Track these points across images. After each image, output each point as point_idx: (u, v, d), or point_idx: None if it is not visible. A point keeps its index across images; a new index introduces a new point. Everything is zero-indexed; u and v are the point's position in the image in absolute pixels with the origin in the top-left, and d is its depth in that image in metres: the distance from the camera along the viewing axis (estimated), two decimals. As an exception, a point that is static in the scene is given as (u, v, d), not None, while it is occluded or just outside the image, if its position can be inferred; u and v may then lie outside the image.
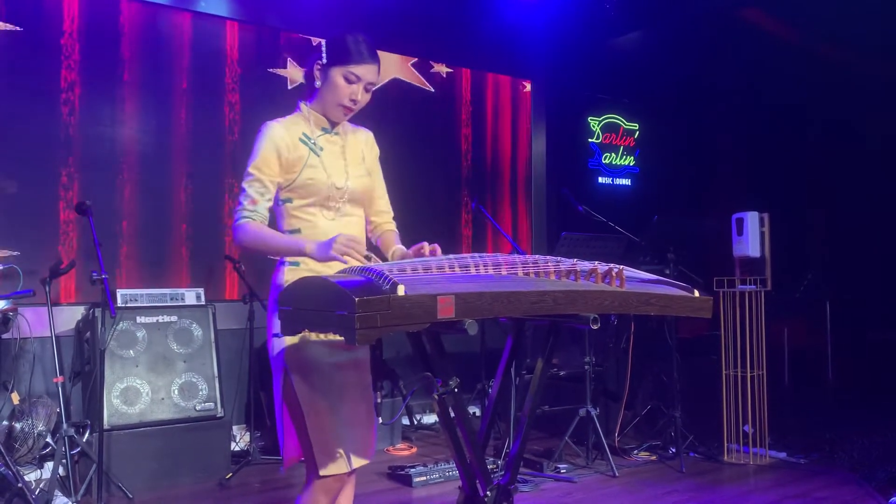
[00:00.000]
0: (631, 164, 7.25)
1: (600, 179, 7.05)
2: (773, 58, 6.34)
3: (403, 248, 2.24)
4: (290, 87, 5.25)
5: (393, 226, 2.38)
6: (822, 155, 6.72)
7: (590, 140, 7.00)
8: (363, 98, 2.16)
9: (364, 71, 2.12)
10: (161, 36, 4.80)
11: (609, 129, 7.12)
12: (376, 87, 2.18)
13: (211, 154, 4.95)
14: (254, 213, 2.09)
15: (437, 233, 5.98)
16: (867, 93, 6.12)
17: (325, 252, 1.96)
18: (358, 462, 2.10)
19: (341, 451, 2.04)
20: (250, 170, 2.11)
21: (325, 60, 2.13)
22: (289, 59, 5.25)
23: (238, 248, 2.15)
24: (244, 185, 2.12)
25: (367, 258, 1.94)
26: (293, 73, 5.25)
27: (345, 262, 1.91)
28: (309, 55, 2.21)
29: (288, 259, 2.13)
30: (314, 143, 2.15)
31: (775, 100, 6.67)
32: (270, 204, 2.13)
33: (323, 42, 2.15)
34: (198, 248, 4.87)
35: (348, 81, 2.12)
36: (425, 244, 2.08)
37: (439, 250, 2.06)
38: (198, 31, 4.93)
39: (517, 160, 6.57)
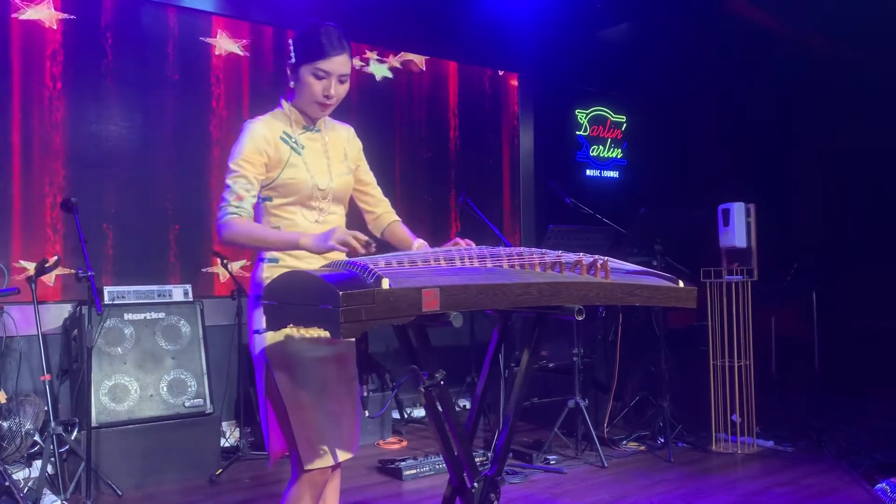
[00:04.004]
0: (618, 156, 7.27)
1: (588, 172, 7.06)
2: (761, 49, 6.36)
3: (424, 243, 2.20)
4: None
5: (396, 216, 2.36)
6: (809, 146, 6.76)
7: (577, 132, 7.01)
8: (338, 90, 2.11)
9: (332, 65, 2.07)
10: (146, 31, 4.77)
11: (596, 121, 7.13)
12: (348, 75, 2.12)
13: (197, 150, 4.93)
14: (239, 208, 2.04)
15: (425, 227, 5.99)
16: (855, 85, 6.16)
17: (323, 243, 1.93)
18: (342, 455, 2.10)
19: (325, 445, 2.04)
20: (233, 166, 2.06)
21: (293, 59, 2.09)
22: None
23: (225, 244, 2.08)
24: (228, 181, 2.06)
25: (368, 245, 1.91)
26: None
27: (344, 251, 1.90)
28: (283, 53, 2.19)
29: (267, 255, 2.12)
30: (295, 142, 2.13)
31: (762, 91, 6.71)
32: (255, 200, 2.09)
33: (290, 41, 2.11)
34: (185, 244, 4.85)
35: (318, 78, 2.08)
36: (459, 241, 2.07)
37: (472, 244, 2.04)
38: (183, 27, 4.90)
39: (505, 153, 6.57)
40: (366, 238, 1.93)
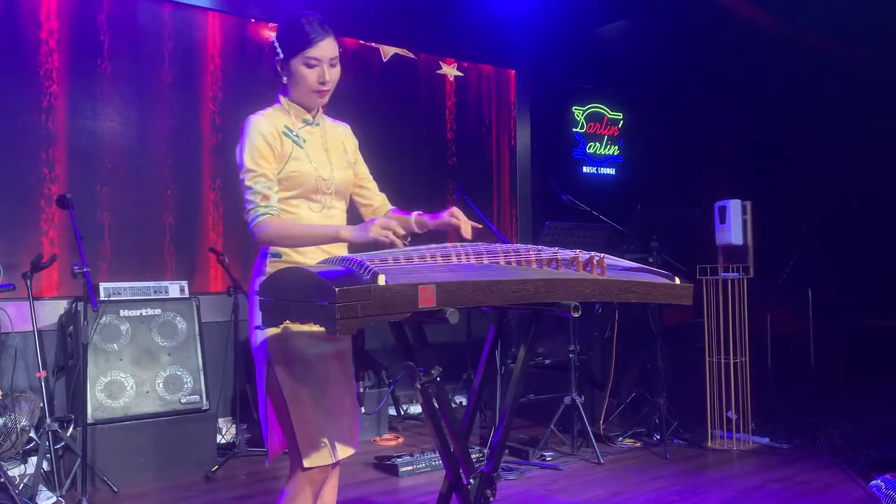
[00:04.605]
0: (615, 153, 7.27)
1: (585, 169, 7.06)
2: (757, 46, 6.36)
3: (422, 213, 2.19)
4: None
5: (390, 205, 2.37)
6: (805, 143, 6.77)
7: (574, 129, 7.01)
8: (332, 75, 2.12)
9: (320, 51, 2.08)
10: (141, 27, 4.75)
11: (593, 118, 7.13)
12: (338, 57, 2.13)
13: (193, 146, 4.92)
14: (269, 207, 2.03)
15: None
16: (850, 81, 6.16)
17: (363, 234, 1.94)
18: (343, 453, 2.10)
19: (326, 442, 2.04)
20: (250, 166, 2.04)
21: (281, 55, 2.10)
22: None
23: (262, 245, 2.09)
24: (248, 182, 2.04)
25: (405, 238, 1.93)
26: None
27: (387, 241, 1.90)
28: (268, 53, 2.18)
29: (270, 250, 2.12)
30: (297, 136, 2.14)
31: (759, 88, 6.71)
32: (278, 196, 2.07)
33: (274, 37, 2.12)
34: (181, 240, 4.84)
35: (310, 66, 2.09)
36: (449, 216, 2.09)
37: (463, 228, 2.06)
38: (178, 22, 4.89)
39: (502, 150, 6.57)
40: (402, 231, 1.95)
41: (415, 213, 2.20)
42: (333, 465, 2.12)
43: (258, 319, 2.00)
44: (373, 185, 2.37)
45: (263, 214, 2.02)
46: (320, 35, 2.08)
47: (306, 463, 2.03)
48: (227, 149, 4.77)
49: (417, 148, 6.02)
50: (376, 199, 2.36)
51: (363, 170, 2.35)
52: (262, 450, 4.37)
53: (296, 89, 2.13)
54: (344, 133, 2.31)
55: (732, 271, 4.63)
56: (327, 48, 2.09)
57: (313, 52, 2.07)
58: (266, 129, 2.08)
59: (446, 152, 6.20)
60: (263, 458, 4.30)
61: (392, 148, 5.75)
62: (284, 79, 2.13)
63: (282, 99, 2.18)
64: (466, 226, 2.07)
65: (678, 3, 6.12)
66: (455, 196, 6.01)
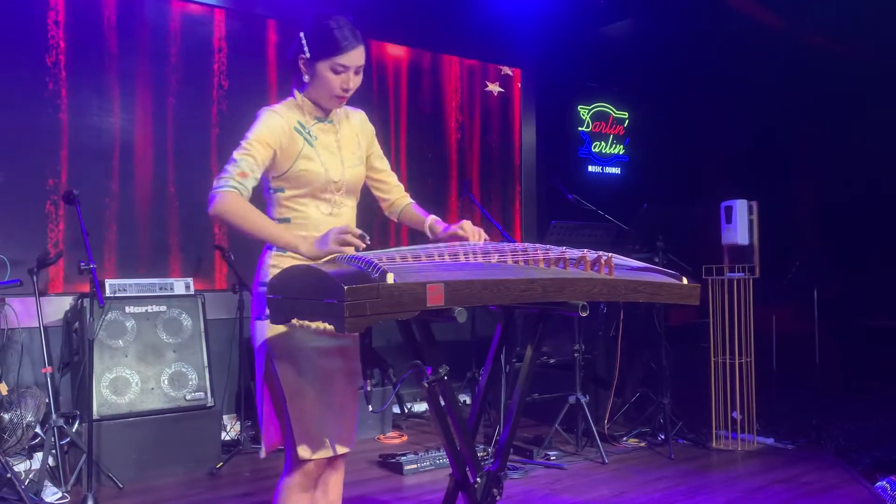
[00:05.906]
0: (620, 152, 7.26)
1: (590, 168, 7.05)
2: (762, 46, 6.35)
3: (438, 219, 2.22)
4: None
5: (409, 198, 2.36)
6: (811, 143, 6.75)
7: (580, 128, 7.00)
8: (355, 83, 2.09)
9: (349, 59, 2.05)
10: (148, 24, 4.75)
11: (599, 117, 7.12)
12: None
13: (199, 143, 4.92)
14: (241, 185, 1.99)
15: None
16: (855, 80, 6.15)
17: (320, 249, 1.90)
18: (339, 449, 2.07)
19: (322, 435, 2.03)
20: (245, 144, 2.02)
21: (308, 54, 2.06)
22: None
23: (214, 216, 2.03)
24: (236, 155, 2.01)
25: (363, 238, 1.89)
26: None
27: (346, 253, 1.86)
28: (290, 45, 2.16)
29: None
30: (308, 133, 2.11)
31: (764, 88, 6.69)
32: (255, 184, 2.04)
33: (302, 34, 2.07)
34: (187, 237, 4.85)
35: (336, 73, 2.05)
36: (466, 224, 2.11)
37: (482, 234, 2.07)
38: (185, 19, 4.89)
39: (507, 148, 6.56)
40: (359, 231, 1.92)
41: (431, 217, 2.20)
42: (332, 460, 2.11)
43: (259, 311, 2.00)
44: (391, 178, 2.36)
45: (232, 187, 1.98)
46: (352, 44, 2.04)
47: (302, 455, 2.02)
48: (234, 146, 4.77)
49: (422, 146, 6.01)
50: (393, 194, 2.35)
51: (380, 162, 2.33)
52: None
53: (316, 90, 2.10)
54: (359, 123, 2.28)
55: (738, 271, 4.63)
56: (356, 57, 2.06)
57: (343, 59, 2.04)
58: (277, 124, 2.06)
59: (451, 151, 6.20)
60: (268, 455, 4.31)
61: (397, 146, 5.75)
62: (306, 77, 2.09)
63: (296, 94, 2.15)
64: (475, 237, 2.07)
65: (684, 2, 6.11)
66: (461, 194, 6.01)
